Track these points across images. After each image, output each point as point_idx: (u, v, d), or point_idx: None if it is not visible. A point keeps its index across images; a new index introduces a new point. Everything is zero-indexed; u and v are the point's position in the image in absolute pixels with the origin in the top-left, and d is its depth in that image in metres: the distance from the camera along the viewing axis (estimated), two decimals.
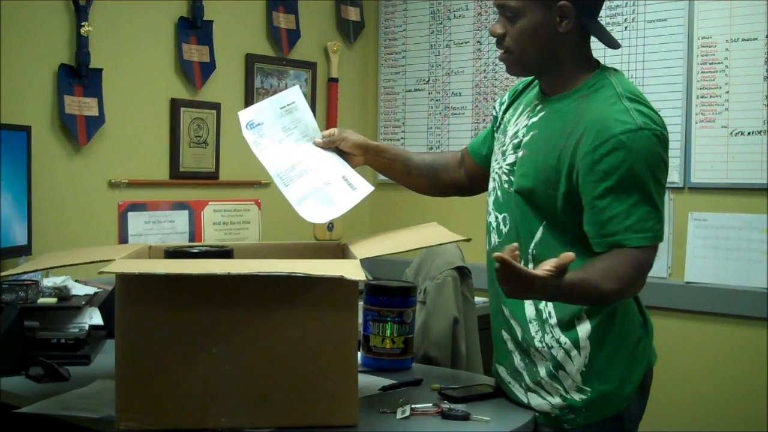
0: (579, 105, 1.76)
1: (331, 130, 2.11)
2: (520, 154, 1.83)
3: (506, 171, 1.87)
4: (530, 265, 1.80)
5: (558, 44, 1.79)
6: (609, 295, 1.69)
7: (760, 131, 3.09)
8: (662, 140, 1.71)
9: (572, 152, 1.72)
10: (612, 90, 1.76)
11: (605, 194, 1.69)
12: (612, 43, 1.85)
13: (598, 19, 1.84)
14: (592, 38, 1.84)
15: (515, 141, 1.86)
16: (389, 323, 2.20)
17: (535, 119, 1.84)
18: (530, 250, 1.80)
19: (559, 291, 1.59)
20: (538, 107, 1.86)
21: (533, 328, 1.81)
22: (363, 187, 2.05)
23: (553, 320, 1.79)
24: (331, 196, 2.00)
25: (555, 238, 1.77)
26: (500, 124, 1.99)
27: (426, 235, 2.03)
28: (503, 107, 2.01)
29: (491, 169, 1.96)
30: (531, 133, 1.83)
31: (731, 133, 3.15)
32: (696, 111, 3.21)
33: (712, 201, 3.20)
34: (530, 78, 1.97)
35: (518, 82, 2.03)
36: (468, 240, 1.86)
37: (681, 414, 3.22)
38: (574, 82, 1.80)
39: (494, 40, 1.86)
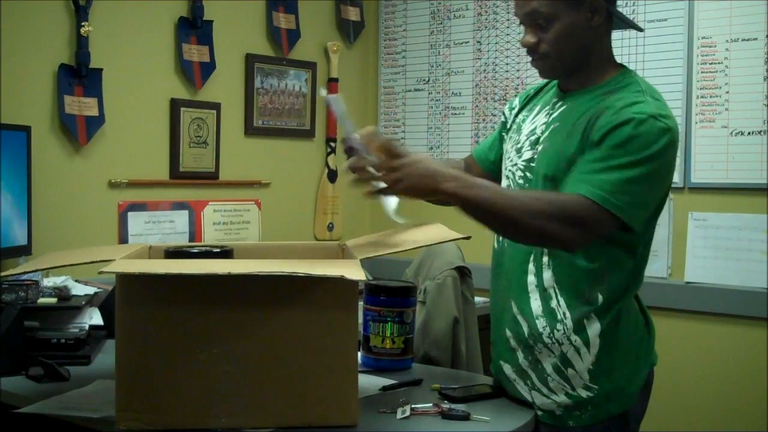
0: (603, 98, 1.78)
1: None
2: (539, 148, 1.84)
3: (521, 167, 1.88)
4: (545, 258, 1.81)
5: (592, 40, 1.81)
6: (515, 201, 1.68)
7: (760, 131, 3.09)
8: (669, 133, 1.71)
9: (585, 130, 1.74)
10: (638, 87, 1.78)
11: (594, 154, 1.70)
12: (636, 27, 1.91)
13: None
14: None
15: (532, 138, 1.87)
16: (389, 323, 2.20)
17: (555, 114, 1.86)
18: None
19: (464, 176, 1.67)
20: (558, 104, 1.87)
21: (540, 323, 1.81)
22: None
23: (568, 320, 1.79)
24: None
25: None
26: (512, 125, 2.00)
27: (426, 233, 2.03)
28: (514, 111, 2.02)
29: (503, 167, 1.97)
30: (551, 127, 1.84)
31: (731, 133, 3.15)
32: (696, 111, 3.21)
33: (712, 201, 3.20)
34: (544, 82, 1.98)
35: (529, 87, 2.04)
36: (468, 238, 1.86)
37: (681, 414, 3.22)
38: (599, 79, 1.83)
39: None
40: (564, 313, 1.79)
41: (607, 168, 1.68)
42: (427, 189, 1.71)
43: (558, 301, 1.80)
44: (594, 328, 1.78)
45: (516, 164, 1.89)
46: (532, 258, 1.83)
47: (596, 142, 1.71)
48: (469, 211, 1.71)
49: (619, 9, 1.92)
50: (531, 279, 1.83)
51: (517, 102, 2.03)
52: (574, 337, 1.78)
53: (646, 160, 1.68)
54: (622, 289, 1.80)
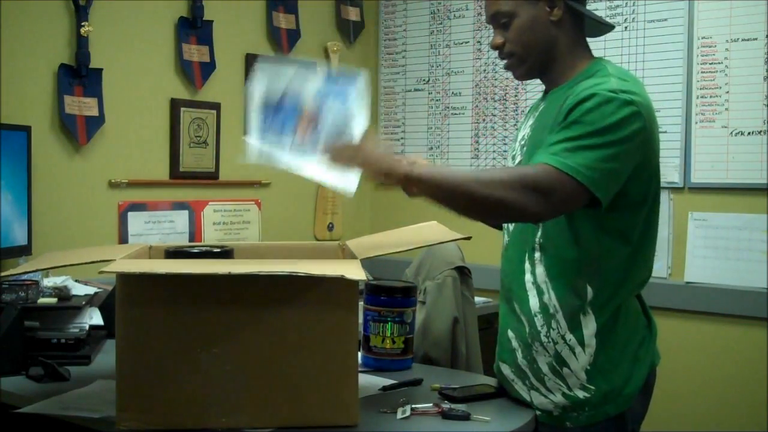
0: (572, 87, 1.80)
1: None
2: (524, 150, 1.88)
3: None
4: (537, 254, 1.82)
5: (555, 35, 1.84)
6: (480, 179, 1.68)
7: (760, 131, 3.09)
8: (630, 107, 1.70)
9: (556, 118, 1.76)
10: (605, 72, 1.80)
11: (554, 132, 1.72)
12: (606, 24, 1.91)
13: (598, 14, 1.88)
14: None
15: (522, 143, 1.91)
16: (389, 323, 2.20)
17: (537, 115, 1.90)
18: (537, 239, 1.82)
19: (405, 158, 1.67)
20: (540, 106, 1.91)
21: (539, 321, 1.82)
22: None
23: (559, 315, 1.79)
24: None
25: (560, 225, 1.78)
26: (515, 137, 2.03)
27: (426, 234, 2.03)
28: (521, 124, 2.05)
29: None
30: (534, 127, 1.88)
31: (731, 133, 3.15)
32: (696, 111, 3.21)
33: (712, 201, 3.20)
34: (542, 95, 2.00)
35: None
36: (468, 238, 1.87)
37: (681, 414, 3.22)
38: (571, 73, 1.85)
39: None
40: (555, 307, 1.80)
41: (566, 139, 1.69)
42: (383, 167, 1.72)
43: (549, 296, 1.80)
44: (590, 327, 1.78)
45: None
46: (527, 256, 1.84)
47: (560, 122, 1.74)
48: (428, 192, 1.72)
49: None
50: (528, 277, 1.84)
51: (523, 118, 2.07)
52: (569, 336, 1.79)
53: (605, 130, 1.68)
54: (619, 282, 1.80)
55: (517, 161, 1.90)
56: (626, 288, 1.81)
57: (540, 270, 1.82)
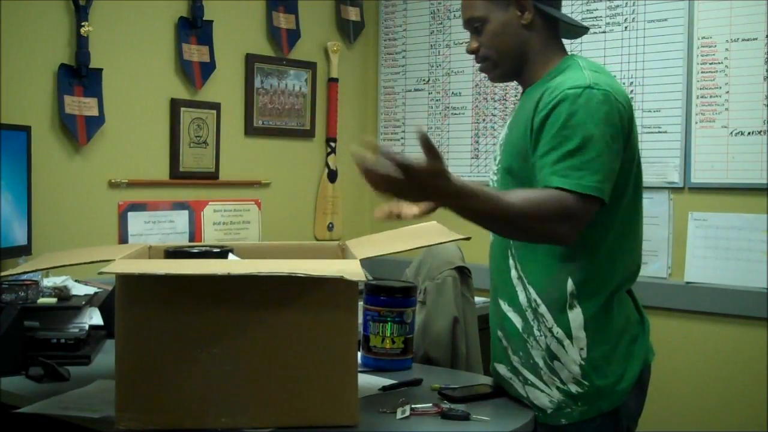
0: (545, 84, 1.81)
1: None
2: (502, 148, 1.91)
3: (495, 171, 1.95)
4: (513, 250, 1.85)
5: (527, 39, 1.87)
6: (510, 208, 1.65)
7: (760, 131, 3.09)
8: (610, 100, 1.72)
9: (532, 115, 1.77)
10: (577, 66, 1.82)
11: (547, 144, 1.72)
12: (580, 25, 1.94)
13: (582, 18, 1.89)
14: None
15: (501, 143, 1.94)
16: (389, 323, 2.20)
17: (514, 113, 1.93)
18: None
19: (455, 186, 1.58)
20: (517, 105, 1.94)
21: (530, 316, 1.83)
22: None
23: (542, 308, 1.81)
24: None
25: None
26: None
27: (426, 234, 2.03)
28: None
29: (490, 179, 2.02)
30: (510, 125, 1.91)
31: (731, 133, 3.15)
32: (696, 111, 3.21)
33: (712, 201, 3.20)
34: None
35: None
36: (467, 238, 1.87)
37: (681, 413, 3.22)
38: (544, 71, 1.87)
39: None
40: (536, 301, 1.81)
41: (566, 154, 1.69)
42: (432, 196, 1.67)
43: (529, 290, 1.82)
44: (577, 320, 1.79)
45: (494, 170, 1.96)
46: (509, 252, 1.87)
47: (540, 127, 1.74)
48: (465, 217, 1.73)
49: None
50: (514, 273, 1.86)
51: None
52: (556, 329, 1.80)
53: (595, 131, 1.69)
54: (604, 274, 1.80)
55: (497, 161, 1.92)
56: (613, 280, 1.82)
57: (519, 266, 1.84)
